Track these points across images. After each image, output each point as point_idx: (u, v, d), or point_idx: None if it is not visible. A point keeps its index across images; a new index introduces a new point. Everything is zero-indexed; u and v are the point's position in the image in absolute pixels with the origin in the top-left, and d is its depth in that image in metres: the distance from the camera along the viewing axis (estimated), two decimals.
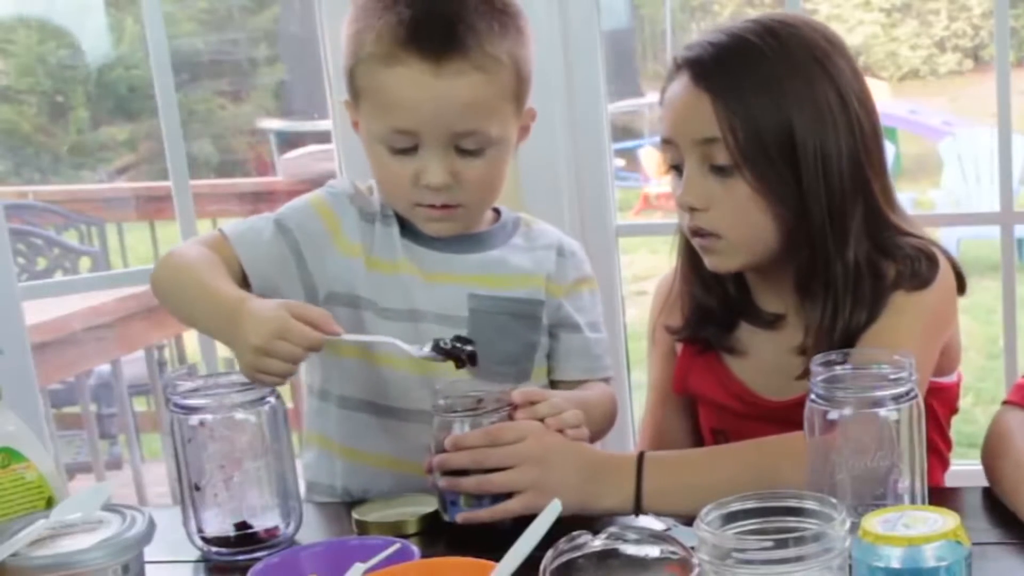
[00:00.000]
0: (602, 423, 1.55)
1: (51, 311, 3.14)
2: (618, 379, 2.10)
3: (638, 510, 1.34)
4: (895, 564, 0.97)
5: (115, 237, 4.63)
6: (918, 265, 1.42)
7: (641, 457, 1.36)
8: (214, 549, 1.35)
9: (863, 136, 1.42)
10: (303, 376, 1.64)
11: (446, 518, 1.36)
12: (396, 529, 1.35)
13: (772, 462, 1.33)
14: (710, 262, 1.46)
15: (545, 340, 1.57)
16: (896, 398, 1.18)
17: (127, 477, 3.69)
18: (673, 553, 0.96)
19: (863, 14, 9.62)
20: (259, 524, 1.35)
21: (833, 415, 1.18)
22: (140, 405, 4.13)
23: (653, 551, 0.96)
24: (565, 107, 2.28)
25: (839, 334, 1.41)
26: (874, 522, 1.00)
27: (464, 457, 1.33)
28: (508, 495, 1.33)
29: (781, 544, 0.95)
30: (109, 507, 1.23)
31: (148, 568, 1.22)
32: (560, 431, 1.37)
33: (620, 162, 7.20)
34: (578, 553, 0.96)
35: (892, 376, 1.19)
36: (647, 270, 5.10)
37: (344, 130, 2.20)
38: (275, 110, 6.50)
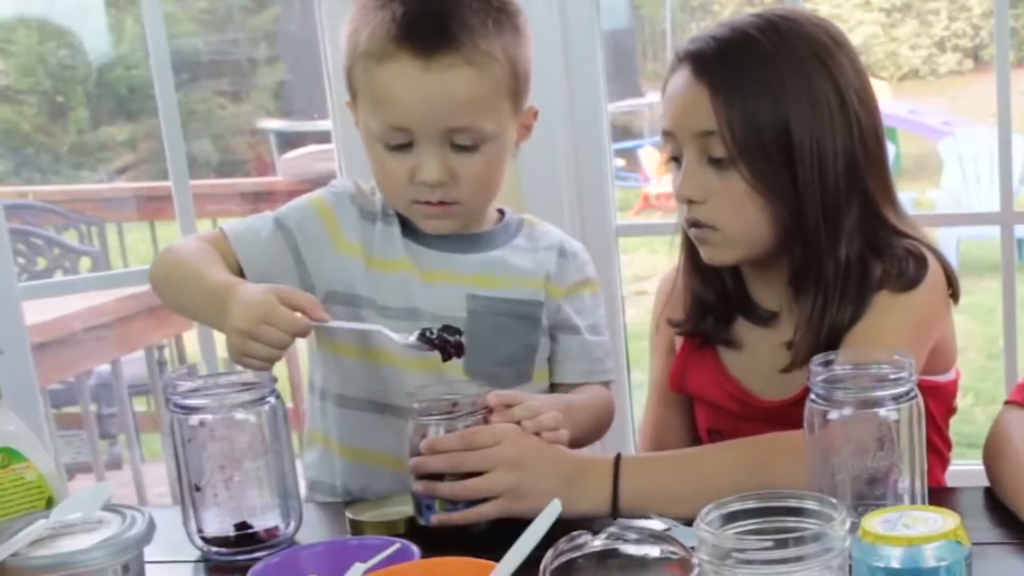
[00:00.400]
0: (590, 426, 1.53)
1: (51, 311, 3.14)
2: (618, 379, 2.10)
3: (615, 513, 1.33)
4: (895, 564, 0.97)
5: (115, 237, 4.63)
6: (905, 265, 1.42)
7: (618, 460, 1.35)
8: (214, 549, 1.35)
9: (861, 135, 1.42)
10: (304, 375, 1.65)
11: (421, 522, 1.34)
12: (390, 528, 1.34)
13: (763, 459, 1.32)
14: (706, 254, 1.47)
15: (546, 342, 1.57)
16: (896, 398, 1.18)
17: (127, 477, 3.69)
18: (673, 553, 0.96)
19: (863, 14, 9.62)
20: (259, 524, 1.35)
21: (833, 415, 1.18)
22: (140, 405, 4.13)
23: (653, 551, 0.96)
24: (565, 107, 2.28)
25: (825, 331, 1.41)
26: (874, 522, 1.00)
27: (440, 461, 1.32)
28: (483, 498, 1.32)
29: (781, 544, 0.95)
30: (109, 507, 1.23)
31: (148, 568, 1.21)
32: (537, 433, 1.35)
33: (620, 162, 7.21)
34: (578, 553, 0.96)
35: (892, 376, 1.19)
36: (647, 270, 5.10)
37: (344, 130, 2.21)
38: (275, 110, 6.51)
